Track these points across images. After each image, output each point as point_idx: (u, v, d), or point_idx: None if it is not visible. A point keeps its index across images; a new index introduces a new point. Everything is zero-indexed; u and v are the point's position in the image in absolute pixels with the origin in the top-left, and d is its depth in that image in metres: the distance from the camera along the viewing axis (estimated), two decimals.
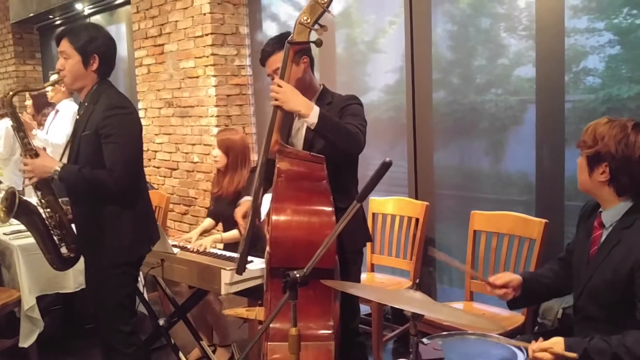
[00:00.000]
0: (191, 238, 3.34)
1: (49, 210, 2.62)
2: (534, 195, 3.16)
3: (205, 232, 3.48)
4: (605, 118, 1.86)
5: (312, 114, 2.23)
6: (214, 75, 4.45)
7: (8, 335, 3.50)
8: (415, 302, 1.67)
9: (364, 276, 2.78)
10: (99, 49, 2.49)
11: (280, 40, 2.44)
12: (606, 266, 1.84)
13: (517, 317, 2.73)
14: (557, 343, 1.75)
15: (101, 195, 2.47)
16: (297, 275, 1.62)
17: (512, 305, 2.12)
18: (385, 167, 1.52)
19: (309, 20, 2.26)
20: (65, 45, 2.49)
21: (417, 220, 3.33)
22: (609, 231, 1.89)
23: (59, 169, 2.45)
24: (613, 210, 1.88)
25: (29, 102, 4.98)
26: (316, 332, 2.19)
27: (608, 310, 1.84)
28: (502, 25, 3.30)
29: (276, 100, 2.29)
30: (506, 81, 3.34)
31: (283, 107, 2.30)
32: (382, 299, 1.72)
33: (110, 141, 2.43)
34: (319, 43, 2.29)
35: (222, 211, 3.39)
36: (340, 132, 2.27)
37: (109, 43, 2.55)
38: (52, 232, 2.64)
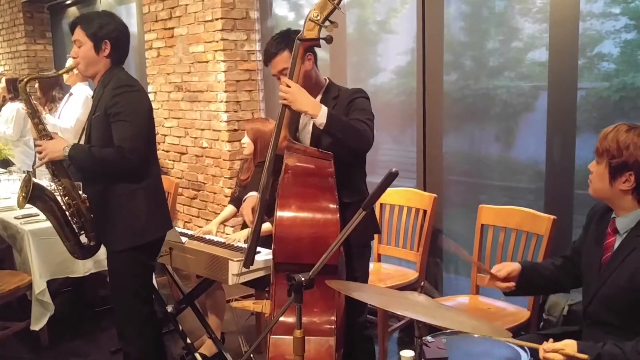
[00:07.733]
0: (210, 231, 3.31)
1: (67, 197, 2.63)
2: (544, 183, 3.12)
3: (225, 222, 3.43)
4: (624, 125, 1.84)
5: (321, 114, 2.24)
6: (224, 60, 4.41)
7: (20, 318, 3.56)
8: (419, 307, 1.66)
9: (371, 266, 2.78)
10: (110, 35, 2.53)
11: (283, 40, 2.43)
12: (621, 273, 1.84)
13: (523, 313, 2.72)
14: (569, 345, 1.75)
15: (112, 173, 2.50)
16: (302, 279, 1.62)
17: (508, 293, 2.10)
18: (392, 177, 1.54)
19: (319, 17, 2.26)
20: (78, 32, 2.54)
21: (424, 211, 3.32)
22: (623, 238, 1.89)
23: (68, 148, 2.48)
24: (628, 218, 1.88)
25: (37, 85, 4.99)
26: (318, 327, 2.21)
27: (621, 316, 1.85)
28: (516, 7, 3.23)
29: (285, 100, 2.30)
30: (519, 65, 3.28)
31: (291, 107, 2.31)
32: (385, 304, 1.72)
33: (119, 119, 2.46)
34: (329, 40, 2.29)
35: None
36: (349, 130, 2.27)
37: (121, 29, 2.59)
38: (70, 219, 2.65)
